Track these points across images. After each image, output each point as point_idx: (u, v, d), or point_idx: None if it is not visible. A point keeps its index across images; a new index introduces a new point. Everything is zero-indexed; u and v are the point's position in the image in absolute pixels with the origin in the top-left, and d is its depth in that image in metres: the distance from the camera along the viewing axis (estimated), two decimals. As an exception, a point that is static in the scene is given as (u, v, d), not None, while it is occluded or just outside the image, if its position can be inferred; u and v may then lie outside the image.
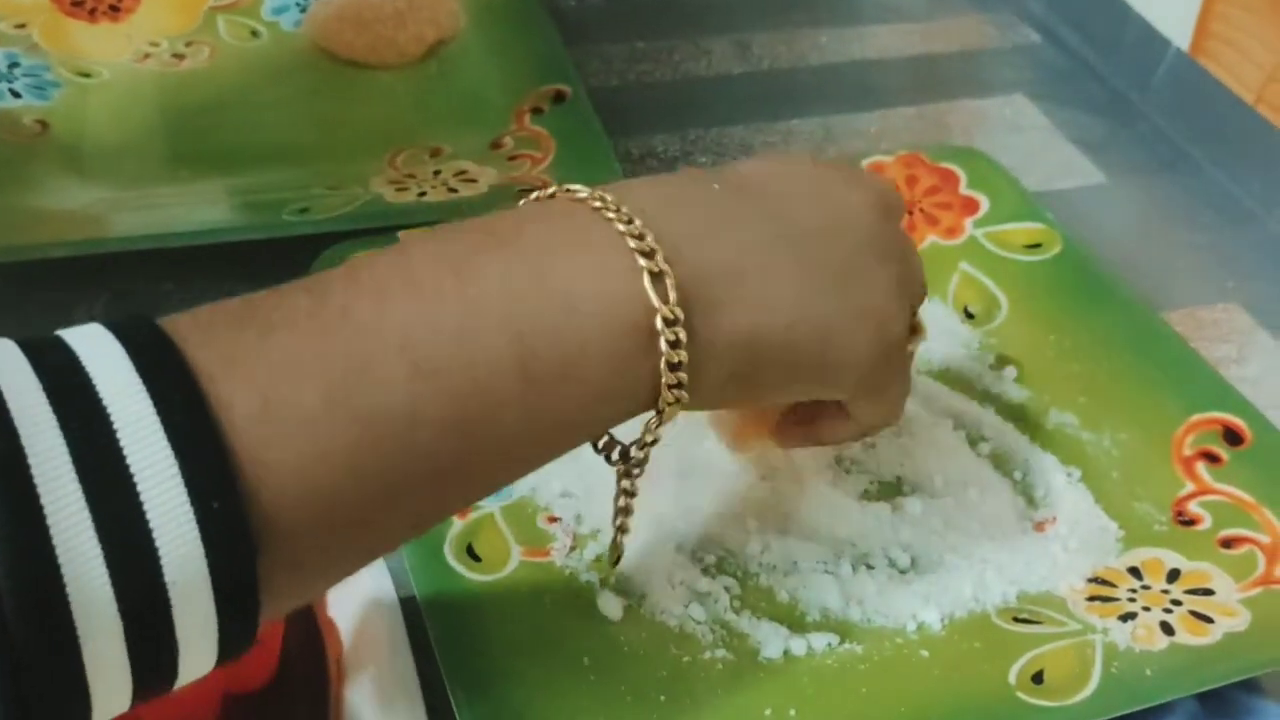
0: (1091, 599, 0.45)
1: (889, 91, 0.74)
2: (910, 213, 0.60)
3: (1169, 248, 0.64)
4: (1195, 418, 0.50)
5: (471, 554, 0.44)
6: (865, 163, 0.62)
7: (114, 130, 0.65)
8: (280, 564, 0.29)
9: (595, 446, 0.39)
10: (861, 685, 0.42)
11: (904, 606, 0.44)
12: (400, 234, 0.55)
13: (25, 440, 0.26)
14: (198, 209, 0.60)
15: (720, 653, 0.43)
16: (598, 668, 0.42)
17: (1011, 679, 0.42)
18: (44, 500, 0.26)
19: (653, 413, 0.36)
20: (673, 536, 0.46)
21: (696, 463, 0.48)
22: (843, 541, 0.47)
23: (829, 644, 0.43)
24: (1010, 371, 0.54)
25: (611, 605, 0.44)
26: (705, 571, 0.45)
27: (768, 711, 0.41)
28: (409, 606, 0.42)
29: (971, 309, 0.57)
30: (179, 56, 0.70)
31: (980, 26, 0.80)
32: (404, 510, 0.33)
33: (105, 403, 0.27)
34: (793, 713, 0.41)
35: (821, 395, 0.41)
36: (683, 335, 0.35)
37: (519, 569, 0.44)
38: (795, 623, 0.44)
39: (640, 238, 0.35)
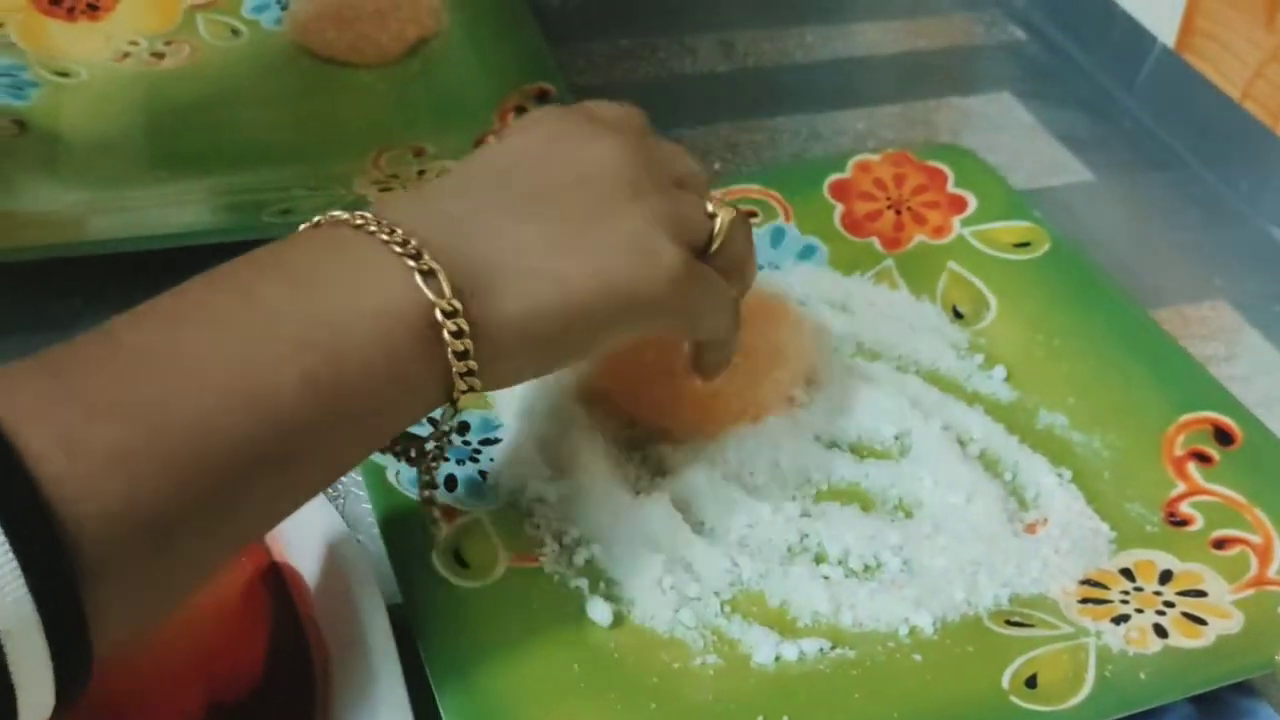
0: (1084, 601, 0.45)
1: (875, 89, 0.74)
2: (898, 211, 0.60)
3: (1156, 245, 0.64)
4: (1186, 417, 0.50)
5: (459, 560, 0.44)
6: (852, 161, 0.61)
7: (92, 131, 0.64)
8: (108, 600, 0.30)
9: (387, 448, 0.41)
10: (854, 690, 0.42)
11: (896, 610, 0.44)
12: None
13: None
14: (177, 210, 0.59)
15: (711, 659, 0.42)
16: (587, 675, 0.41)
17: (1005, 683, 0.41)
18: None
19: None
20: (661, 544, 0.45)
21: (689, 480, 0.47)
22: (831, 544, 0.46)
23: (821, 649, 0.43)
24: (999, 371, 0.54)
25: (601, 611, 0.43)
26: (690, 571, 0.45)
27: (760, 718, 0.40)
28: (396, 614, 0.41)
29: (960, 308, 0.56)
30: (158, 55, 0.70)
31: (966, 24, 0.80)
32: (229, 528, 0.34)
33: None
34: (785, 719, 0.40)
35: (635, 334, 0.42)
36: (464, 325, 0.36)
37: (507, 575, 0.44)
38: (786, 628, 0.44)
39: (405, 243, 0.36)
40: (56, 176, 0.60)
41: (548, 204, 0.40)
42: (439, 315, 0.36)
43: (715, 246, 0.43)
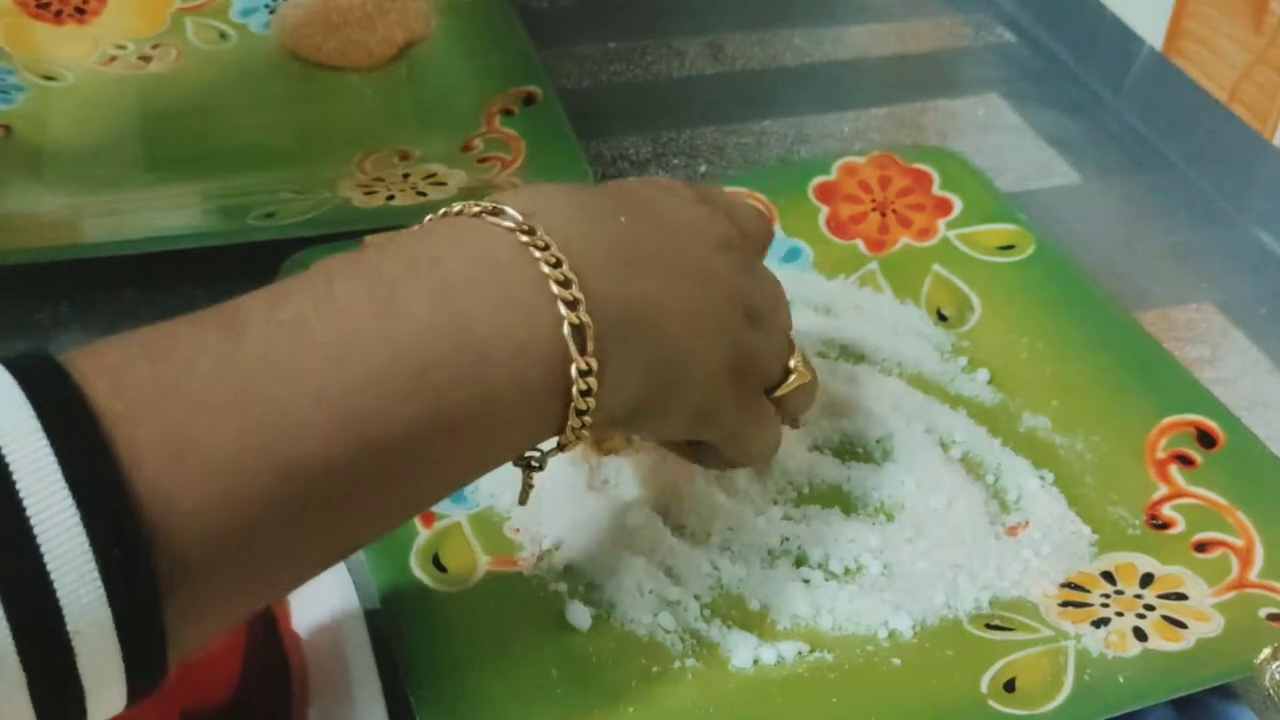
0: (1064, 604, 0.45)
1: (862, 92, 0.74)
2: (883, 214, 0.60)
3: (1143, 248, 0.64)
4: (1168, 420, 0.50)
5: (438, 564, 0.44)
6: (838, 163, 0.61)
7: (79, 134, 0.64)
8: (189, 605, 0.29)
9: None
10: (832, 694, 0.41)
11: (875, 614, 0.44)
12: (366, 239, 0.54)
13: None
14: (163, 214, 0.59)
15: (690, 662, 0.42)
16: (566, 679, 0.41)
17: (983, 687, 0.41)
18: None
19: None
20: (641, 547, 0.45)
21: (664, 479, 0.47)
22: (812, 547, 0.46)
23: (799, 652, 0.43)
24: (983, 374, 0.54)
25: (579, 615, 0.43)
26: (671, 575, 0.45)
27: (737, 722, 0.40)
28: (374, 619, 0.41)
29: (944, 311, 0.56)
30: (146, 59, 0.70)
31: (954, 26, 0.80)
32: (316, 549, 0.33)
33: (2, 449, 0.27)
34: (762, 723, 0.40)
35: (688, 436, 0.42)
36: (594, 385, 0.35)
37: (486, 579, 0.44)
38: (765, 631, 0.44)
39: (565, 284, 0.35)
40: (42, 180, 0.60)
41: (688, 280, 0.39)
42: (574, 371, 0.35)
43: (778, 395, 0.44)
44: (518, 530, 0.46)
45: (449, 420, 0.33)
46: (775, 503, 0.48)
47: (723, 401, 0.41)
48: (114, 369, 0.29)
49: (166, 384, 0.29)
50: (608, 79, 0.73)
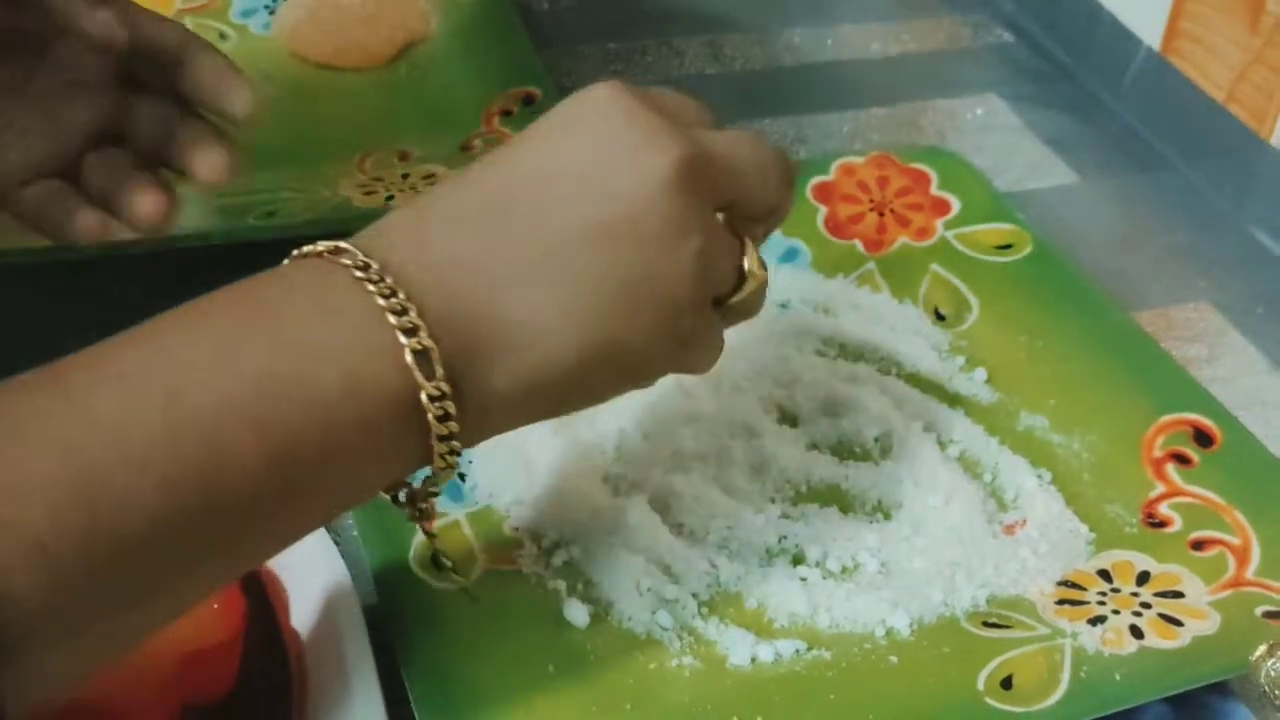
0: (1061, 602, 0.45)
1: (861, 91, 0.74)
2: (881, 214, 0.60)
3: (1141, 247, 0.64)
4: (1165, 419, 0.50)
5: (437, 562, 0.44)
6: (836, 163, 0.61)
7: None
8: (31, 674, 0.29)
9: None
10: (829, 692, 0.42)
11: (872, 612, 0.44)
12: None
13: None
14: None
15: (688, 660, 0.42)
16: (564, 676, 0.41)
17: (980, 684, 0.41)
18: None
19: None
20: (639, 545, 0.45)
21: (668, 484, 0.48)
22: (810, 545, 0.47)
23: (797, 650, 0.43)
24: (980, 374, 0.54)
25: (577, 613, 0.43)
26: (669, 573, 0.45)
27: (735, 719, 0.40)
28: (373, 615, 0.41)
29: (942, 310, 0.57)
30: (146, 59, 0.70)
31: (953, 27, 0.80)
32: (161, 607, 0.32)
33: None
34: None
35: (624, 391, 0.40)
36: (452, 409, 0.34)
37: (485, 577, 0.44)
38: (763, 629, 0.44)
39: (402, 312, 0.34)
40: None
41: (568, 259, 0.36)
42: (425, 398, 0.34)
43: (731, 303, 0.40)
44: (516, 528, 0.46)
45: (292, 472, 0.32)
46: (773, 501, 0.48)
47: (649, 359, 0.38)
48: None
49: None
50: (608, 79, 0.73)
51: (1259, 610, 0.44)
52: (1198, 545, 0.47)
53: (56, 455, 0.29)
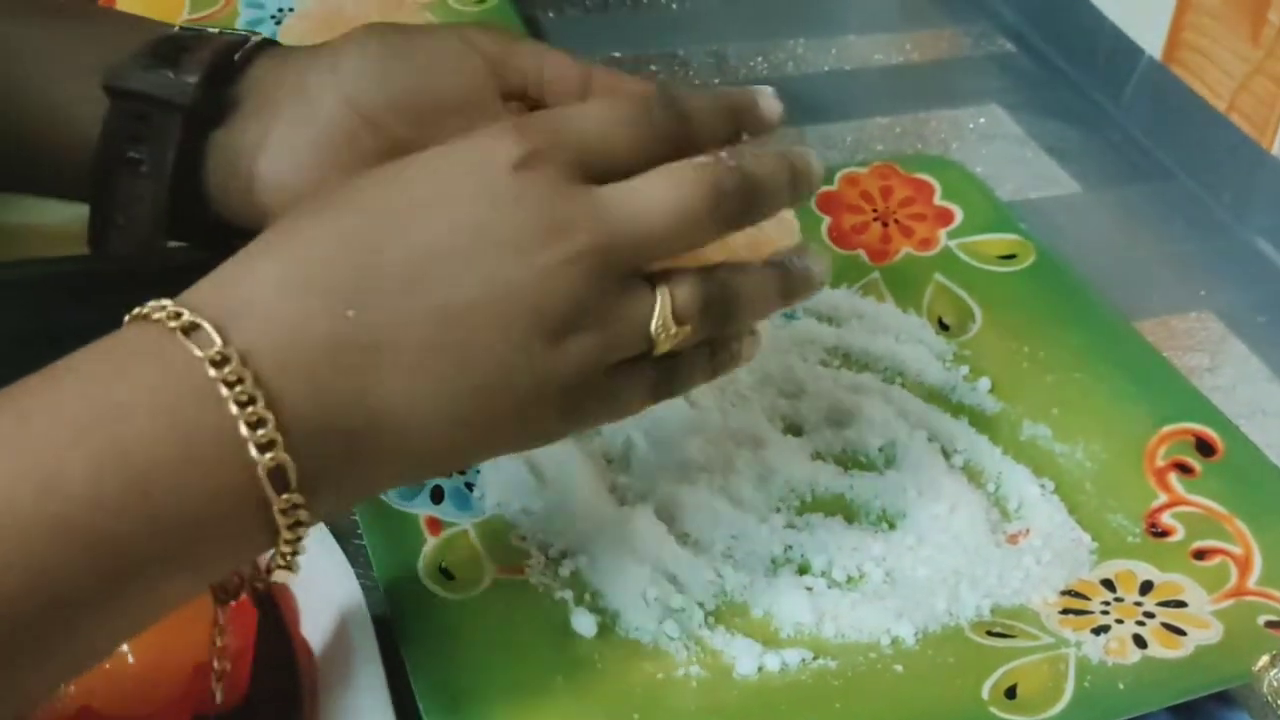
0: (1065, 612, 0.45)
1: (865, 101, 0.74)
2: (885, 224, 0.60)
3: (1142, 256, 0.65)
4: (1167, 429, 0.51)
5: (445, 572, 0.44)
6: (840, 173, 0.62)
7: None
8: None
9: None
10: (835, 700, 0.42)
11: (878, 621, 0.44)
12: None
13: None
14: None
15: (694, 669, 0.43)
16: (571, 686, 0.42)
17: (985, 694, 0.42)
18: None
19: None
20: (645, 555, 0.45)
21: (674, 494, 0.48)
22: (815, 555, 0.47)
23: (803, 659, 0.43)
24: (984, 383, 0.54)
25: (585, 623, 0.43)
26: (675, 582, 0.45)
27: (742, 728, 0.41)
28: (382, 625, 0.42)
29: (946, 320, 0.57)
30: (153, 70, 0.70)
31: (954, 37, 0.81)
32: (20, 686, 0.31)
33: None
34: (767, 729, 0.41)
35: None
36: (306, 516, 0.33)
37: (493, 587, 0.44)
38: (769, 638, 0.44)
39: (259, 425, 0.31)
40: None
41: (453, 346, 0.34)
42: (276, 511, 0.32)
43: (657, 355, 0.38)
44: (523, 538, 0.46)
45: (125, 588, 0.31)
46: (778, 510, 0.49)
47: (530, 430, 0.37)
48: None
49: None
50: (611, 89, 0.74)
51: (1261, 619, 0.44)
52: (1200, 555, 0.47)
53: None
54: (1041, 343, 0.55)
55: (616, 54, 0.77)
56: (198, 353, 0.32)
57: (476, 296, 0.34)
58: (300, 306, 0.33)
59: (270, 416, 0.32)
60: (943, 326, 0.57)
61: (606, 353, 0.37)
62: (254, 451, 0.31)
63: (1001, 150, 0.71)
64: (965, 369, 0.55)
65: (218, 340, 0.32)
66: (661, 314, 0.37)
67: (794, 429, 0.52)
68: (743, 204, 0.38)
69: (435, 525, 0.46)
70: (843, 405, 0.52)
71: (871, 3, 0.84)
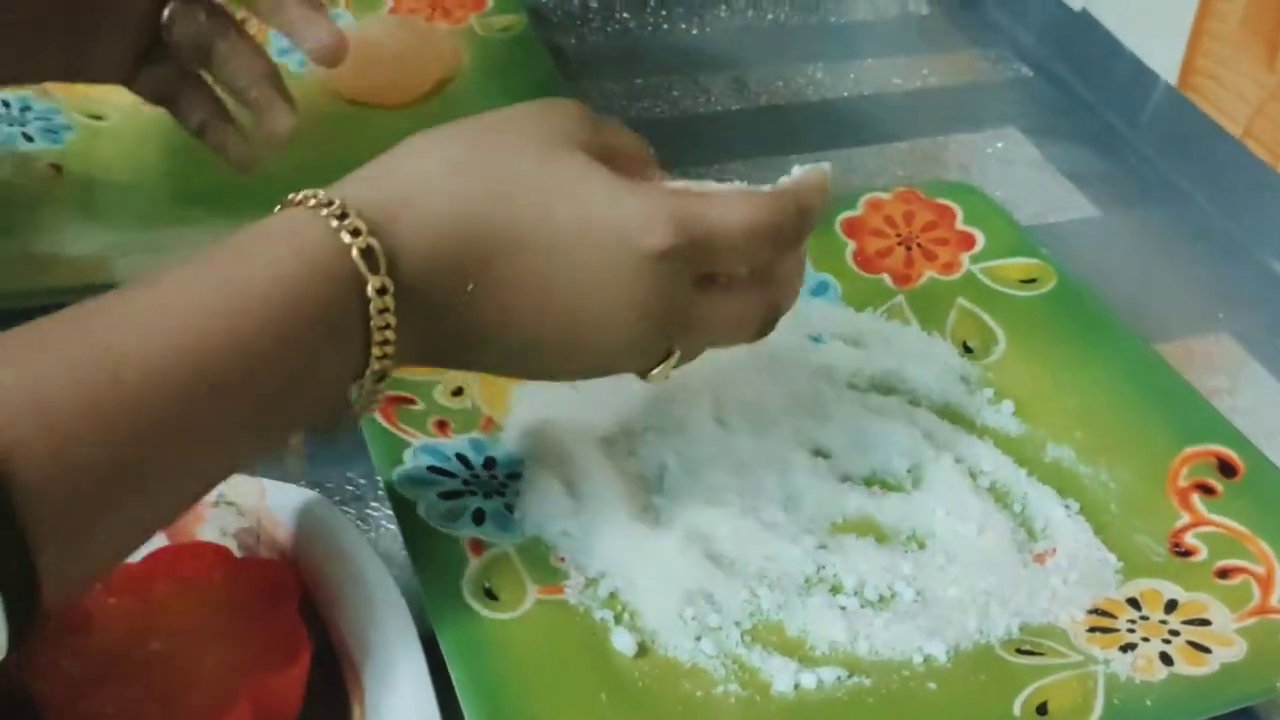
0: (1092, 630, 0.46)
1: (884, 126, 0.76)
2: (909, 248, 0.61)
3: (1161, 280, 0.66)
4: (1189, 450, 0.52)
5: (489, 593, 0.45)
6: (863, 198, 0.63)
7: (123, 173, 0.66)
8: (64, 559, 0.33)
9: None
10: (871, 718, 0.43)
11: (910, 639, 0.45)
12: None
13: None
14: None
15: (733, 687, 0.44)
16: (614, 704, 0.43)
17: (1016, 710, 0.43)
18: None
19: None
20: (681, 575, 0.47)
21: (707, 516, 0.49)
22: (847, 575, 0.48)
23: (838, 677, 0.44)
24: (1008, 406, 0.55)
25: (625, 642, 0.45)
26: (711, 602, 0.46)
27: (780, 745, 0.42)
28: (428, 644, 0.43)
29: (970, 343, 0.58)
30: (187, 98, 0.71)
31: (973, 61, 0.82)
32: (161, 496, 0.37)
33: None
34: (804, 746, 0.42)
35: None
36: (390, 350, 0.39)
37: (535, 607, 0.45)
38: (805, 657, 0.45)
39: (356, 233, 0.38)
40: (92, 218, 0.62)
41: (558, 286, 0.41)
42: (370, 290, 0.38)
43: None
44: (563, 559, 0.47)
45: (261, 366, 0.37)
46: (809, 532, 0.50)
47: (569, 370, 0.45)
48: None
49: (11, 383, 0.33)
50: (635, 114, 0.75)
51: (1284, 637, 0.45)
52: (1223, 574, 0.48)
53: (67, 366, 0.34)
54: (1064, 366, 0.56)
55: (638, 80, 0.78)
56: (324, 213, 0.39)
57: (577, 284, 0.42)
58: (429, 213, 0.40)
59: (381, 254, 0.38)
60: (966, 349, 0.58)
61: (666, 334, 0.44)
62: (346, 236, 0.38)
63: (1020, 174, 0.72)
64: (989, 391, 0.56)
65: (333, 203, 0.39)
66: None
67: (822, 452, 0.53)
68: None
69: (478, 546, 0.47)
70: (870, 428, 0.54)
71: (889, 27, 0.86)
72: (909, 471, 0.52)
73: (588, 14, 0.84)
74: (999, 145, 0.74)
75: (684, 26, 0.84)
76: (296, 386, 0.39)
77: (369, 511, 0.51)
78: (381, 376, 0.40)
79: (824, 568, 0.48)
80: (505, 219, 0.41)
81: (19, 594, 0.32)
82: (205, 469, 0.38)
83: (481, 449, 0.51)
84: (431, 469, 0.50)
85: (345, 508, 0.50)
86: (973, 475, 0.52)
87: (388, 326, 0.39)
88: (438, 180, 0.41)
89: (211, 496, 0.47)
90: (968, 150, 0.74)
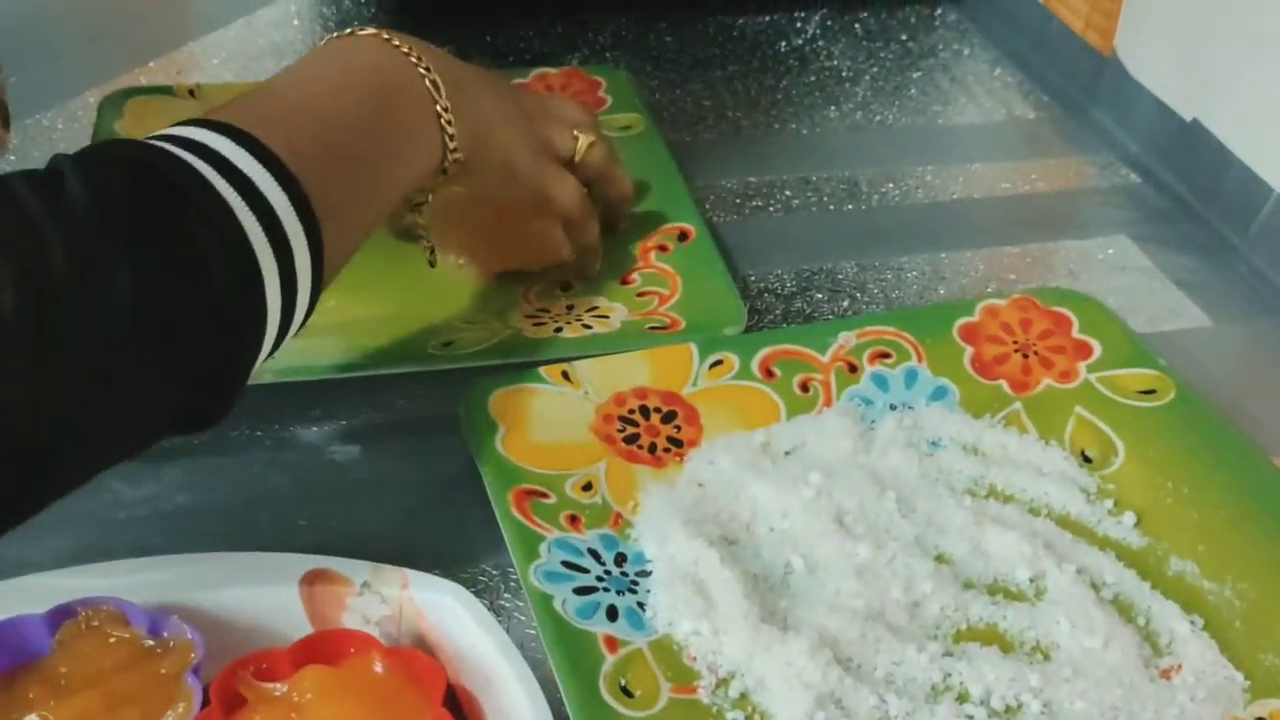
0: (1222, 749, 0.46)
1: (994, 230, 0.77)
2: (1026, 355, 0.62)
3: (1274, 391, 0.66)
4: (1315, 569, 0.52)
5: (625, 690, 0.46)
6: (980, 304, 0.64)
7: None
8: (329, 233, 0.48)
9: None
10: (1002, 831, 0.43)
11: (1040, 752, 0.46)
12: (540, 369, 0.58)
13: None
14: (343, 339, 0.63)
15: (864, 793, 0.45)
16: (748, 806, 0.43)
17: (1149, 829, 0.43)
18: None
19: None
20: (811, 679, 0.47)
21: (833, 620, 0.50)
22: (974, 684, 0.49)
23: (970, 788, 0.45)
24: (1129, 517, 0.56)
25: (758, 744, 0.45)
26: (840, 706, 0.47)
27: None
28: (567, 740, 0.44)
29: (1088, 453, 0.59)
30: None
31: (1079, 167, 0.83)
32: (359, 172, 0.52)
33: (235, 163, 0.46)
34: None
35: (509, 180, 0.62)
36: (452, 123, 0.56)
37: (669, 705, 0.46)
38: (936, 766, 0.46)
39: (419, 58, 0.56)
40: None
41: (504, 104, 0.62)
42: (439, 109, 0.56)
43: (576, 160, 0.65)
44: (694, 658, 0.49)
45: (388, 125, 0.54)
46: (933, 639, 0.50)
47: (521, 161, 0.61)
48: (235, 114, 0.48)
49: (264, 117, 0.49)
50: (749, 211, 0.77)
51: None
52: (1352, 696, 0.48)
53: (288, 109, 0.51)
54: (1185, 478, 0.56)
55: (751, 178, 0.80)
56: (394, 44, 0.56)
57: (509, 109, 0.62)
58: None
59: (428, 64, 0.57)
60: (1085, 459, 0.59)
61: (552, 145, 0.65)
62: (422, 70, 0.56)
63: (1131, 282, 0.73)
64: (1109, 503, 0.56)
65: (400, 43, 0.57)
66: (588, 136, 0.66)
67: (943, 558, 0.54)
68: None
69: (612, 643, 0.48)
70: (990, 536, 0.54)
71: (995, 131, 0.87)
72: (1032, 581, 0.53)
73: (701, 112, 0.86)
74: (1110, 252, 0.75)
75: (794, 126, 0.85)
76: (411, 144, 0.55)
77: (501, 603, 0.52)
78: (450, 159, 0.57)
79: (950, 675, 0.49)
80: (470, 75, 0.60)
81: (315, 254, 0.47)
82: (376, 185, 0.53)
83: (613, 545, 0.53)
84: (565, 563, 0.51)
85: (479, 599, 0.51)
86: (1095, 587, 0.53)
87: (449, 121, 0.56)
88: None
89: (356, 585, 0.49)
90: (1077, 257, 0.75)
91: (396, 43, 0.56)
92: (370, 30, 0.56)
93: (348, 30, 0.56)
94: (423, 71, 0.55)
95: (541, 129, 0.64)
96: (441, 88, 0.56)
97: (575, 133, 0.65)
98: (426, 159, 0.56)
